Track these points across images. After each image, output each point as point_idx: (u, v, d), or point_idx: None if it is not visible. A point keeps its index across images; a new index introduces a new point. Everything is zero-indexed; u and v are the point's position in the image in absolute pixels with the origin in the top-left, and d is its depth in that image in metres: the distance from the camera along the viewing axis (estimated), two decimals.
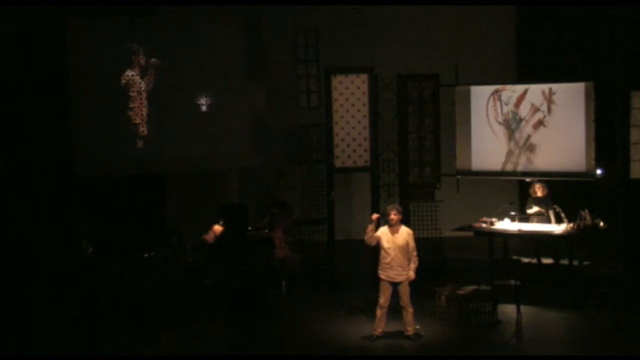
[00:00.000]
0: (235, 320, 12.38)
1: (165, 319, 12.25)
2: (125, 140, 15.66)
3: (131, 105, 15.64)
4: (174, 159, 15.89)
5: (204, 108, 15.98)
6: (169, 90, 15.76)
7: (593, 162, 13.78)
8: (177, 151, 15.87)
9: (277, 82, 16.91)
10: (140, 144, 15.75)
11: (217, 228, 13.14)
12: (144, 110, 15.70)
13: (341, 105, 14.55)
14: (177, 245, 13.23)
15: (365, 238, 11.58)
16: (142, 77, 15.66)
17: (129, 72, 15.56)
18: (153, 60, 15.52)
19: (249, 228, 13.98)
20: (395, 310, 11.66)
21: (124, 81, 15.56)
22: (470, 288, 12.36)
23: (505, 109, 14.48)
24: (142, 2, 15.63)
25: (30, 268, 13.55)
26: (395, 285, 11.47)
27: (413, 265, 11.47)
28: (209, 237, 13.15)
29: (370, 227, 11.50)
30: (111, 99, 15.54)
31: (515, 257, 13.11)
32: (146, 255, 13.04)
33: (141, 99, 15.68)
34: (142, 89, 15.69)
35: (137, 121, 15.67)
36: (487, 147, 14.67)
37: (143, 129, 15.71)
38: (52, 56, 14.99)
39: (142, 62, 15.64)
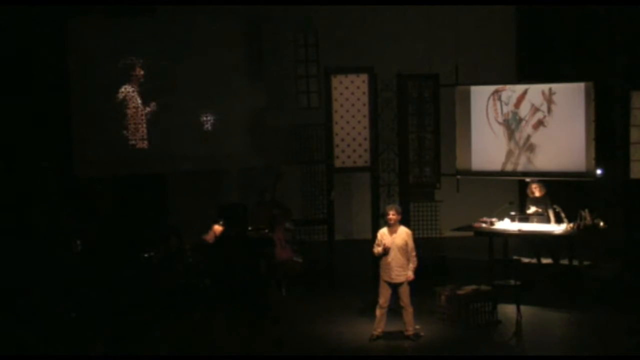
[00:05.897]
0: (235, 321, 12.37)
1: (165, 319, 12.23)
2: (126, 141, 15.66)
3: (131, 106, 15.64)
4: (174, 159, 15.90)
5: (204, 108, 15.99)
6: (169, 90, 15.76)
7: (593, 162, 13.76)
8: (177, 151, 15.88)
9: (277, 82, 16.92)
10: (140, 144, 15.76)
11: (217, 228, 13.13)
12: (144, 111, 15.70)
13: (341, 105, 14.53)
14: (177, 245, 13.22)
15: (375, 253, 11.62)
16: (142, 78, 15.66)
17: (129, 79, 15.58)
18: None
19: (249, 228, 13.98)
20: (395, 310, 11.66)
21: (124, 83, 15.58)
22: (470, 288, 12.35)
23: (505, 109, 14.47)
24: (142, 1, 15.63)
25: (29, 268, 13.57)
26: (395, 286, 11.47)
27: (412, 266, 11.46)
28: (209, 237, 13.14)
29: (378, 249, 11.53)
30: (111, 98, 15.55)
31: (515, 257, 13.10)
32: (146, 255, 13.03)
33: (141, 99, 15.68)
34: (142, 89, 15.70)
35: (137, 121, 15.67)
36: (487, 147, 14.66)
37: (143, 130, 15.71)
38: (52, 56, 15.00)
39: (142, 63, 15.65)
